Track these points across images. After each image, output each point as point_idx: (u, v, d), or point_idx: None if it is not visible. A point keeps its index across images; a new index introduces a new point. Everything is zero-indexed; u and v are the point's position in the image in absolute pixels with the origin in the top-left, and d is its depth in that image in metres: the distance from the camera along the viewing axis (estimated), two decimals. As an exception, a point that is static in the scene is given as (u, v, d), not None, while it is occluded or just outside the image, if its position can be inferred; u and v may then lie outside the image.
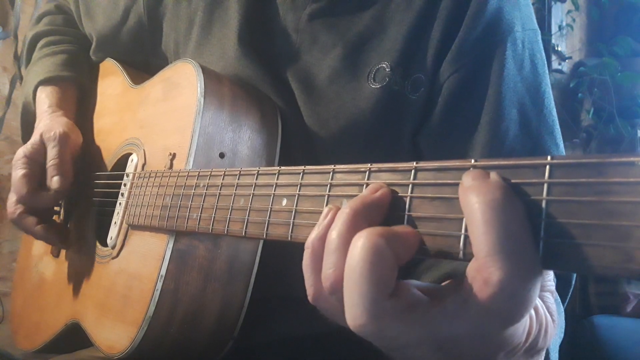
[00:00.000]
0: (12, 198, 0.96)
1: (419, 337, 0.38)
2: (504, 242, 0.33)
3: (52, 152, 0.96)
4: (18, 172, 0.94)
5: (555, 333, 0.44)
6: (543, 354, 0.44)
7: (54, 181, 0.94)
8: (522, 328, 0.39)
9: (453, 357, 0.40)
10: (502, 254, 0.33)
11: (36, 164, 0.96)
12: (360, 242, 0.38)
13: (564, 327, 0.68)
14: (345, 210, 0.40)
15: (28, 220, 0.95)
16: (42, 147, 0.97)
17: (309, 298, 0.44)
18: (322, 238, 0.42)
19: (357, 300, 0.37)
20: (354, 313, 0.38)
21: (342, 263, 0.39)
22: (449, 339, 0.38)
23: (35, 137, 0.98)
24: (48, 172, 0.95)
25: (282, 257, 0.74)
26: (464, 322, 0.37)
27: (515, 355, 0.41)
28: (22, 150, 0.97)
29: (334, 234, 0.40)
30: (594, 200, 0.31)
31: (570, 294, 0.75)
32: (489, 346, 0.39)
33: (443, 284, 0.43)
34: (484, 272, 0.34)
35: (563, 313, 0.66)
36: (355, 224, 0.40)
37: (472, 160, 0.38)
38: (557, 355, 0.66)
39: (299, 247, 0.48)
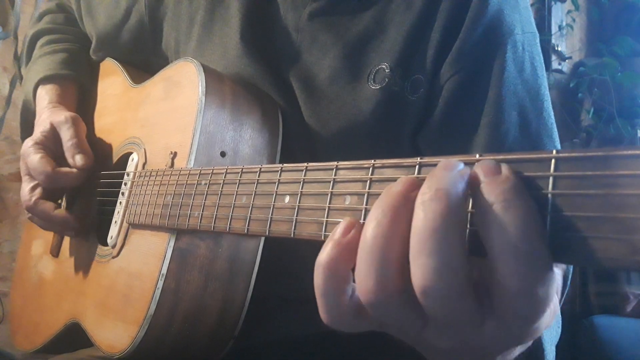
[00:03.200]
0: (27, 186, 0.95)
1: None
2: (518, 243, 0.33)
3: (68, 133, 0.96)
4: (35, 157, 0.93)
5: (551, 326, 0.44)
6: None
7: (77, 159, 0.93)
8: (542, 322, 0.39)
9: (471, 350, 0.40)
10: (516, 255, 0.33)
11: (49, 149, 0.96)
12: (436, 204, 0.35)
13: (560, 323, 0.68)
14: (386, 206, 0.38)
15: (46, 205, 0.94)
16: (52, 134, 0.97)
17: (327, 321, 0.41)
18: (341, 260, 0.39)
19: (438, 260, 0.34)
20: (434, 273, 0.34)
21: (388, 286, 0.37)
22: (473, 338, 0.38)
23: (44, 126, 0.98)
24: (69, 152, 0.95)
25: (282, 257, 0.74)
26: (490, 326, 0.37)
27: (527, 341, 0.41)
28: (30, 139, 0.96)
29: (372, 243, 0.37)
30: (599, 193, 0.31)
31: (565, 294, 0.75)
32: (508, 342, 0.39)
33: None
34: (498, 273, 0.34)
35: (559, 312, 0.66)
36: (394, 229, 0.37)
37: (477, 155, 0.38)
38: (553, 348, 0.66)
39: (300, 246, 0.48)
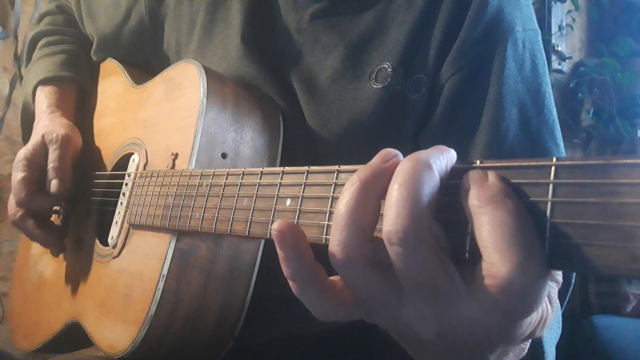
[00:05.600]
0: (12, 200, 0.96)
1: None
2: (509, 236, 0.34)
3: (52, 155, 0.96)
4: (18, 175, 0.95)
5: (552, 327, 0.44)
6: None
7: (52, 184, 0.94)
8: (527, 323, 0.39)
9: (452, 343, 0.40)
10: (508, 247, 0.34)
11: (36, 166, 0.96)
12: (406, 163, 0.38)
13: (561, 324, 0.68)
14: (355, 183, 0.40)
15: (29, 224, 0.95)
16: (43, 149, 0.97)
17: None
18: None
19: (400, 206, 0.37)
20: (396, 218, 0.37)
21: (352, 241, 0.39)
22: (451, 323, 0.39)
23: (36, 138, 0.98)
24: (48, 175, 0.95)
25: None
26: (473, 310, 0.37)
27: (512, 344, 0.42)
28: (22, 152, 0.97)
29: (342, 209, 0.40)
30: (599, 201, 0.31)
31: (569, 293, 0.75)
32: (490, 337, 0.39)
33: None
34: (491, 269, 0.34)
35: (560, 311, 0.67)
36: (365, 197, 0.39)
37: (478, 162, 0.38)
38: (553, 350, 0.66)
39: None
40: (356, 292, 0.42)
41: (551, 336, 0.66)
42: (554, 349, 0.66)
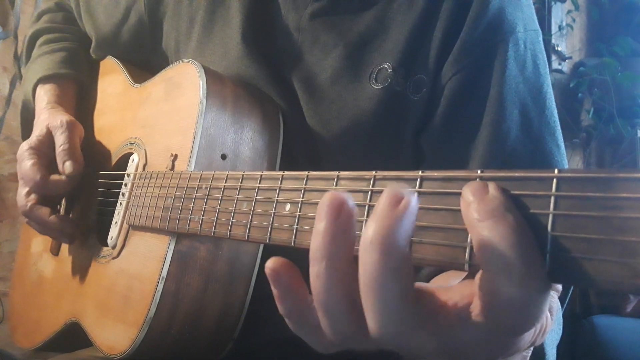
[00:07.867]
0: (22, 191, 0.95)
1: (432, 343, 0.38)
2: (510, 254, 0.33)
3: (61, 138, 0.95)
4: (27, 163, 0.93)
5: (552, 328, 0.45)
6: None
7: (66, 166, 0.93)
8: (528, 335, 0.39)
9: (452, 358, 0.40)
10: (509, 265, 0.33)
11: (43, 154, 0.95)
12: (373, 255, 0.35)
13: (561, 325, 0.68)
14: (322, 262, 0.38)
15: (42, 211, 0.93)
16: (47, 139, 0.97)
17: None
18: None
19: (382, 313, 0.36)
20: (381, 327, 0.36)
21: (344, 325, 0.39)
22: (456, 345, 0.38)
23: (40, 130, 0.97)
24: (59, 158, 0.94)
25: (282, 256, 0.74)
26: (474, 331, 0.37)
27: (513, 355, 0.42)
28: (26, 143, 0.96)
29: (323, 299, 0.38)
30: (601, 215, 0.31)
31: (569, 294, 0.75)
32: (491, 352, 0.39)
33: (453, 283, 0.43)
34: (491, 285, 0.34)
35: (561, 311, 0.67)
36: (337, 279, 0.38)
37: (479, 171, 0.38)
38: (554, 351, 0.66)
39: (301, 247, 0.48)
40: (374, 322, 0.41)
41: (552, 337, 0.66)
42: (554, 350, 0.66)
